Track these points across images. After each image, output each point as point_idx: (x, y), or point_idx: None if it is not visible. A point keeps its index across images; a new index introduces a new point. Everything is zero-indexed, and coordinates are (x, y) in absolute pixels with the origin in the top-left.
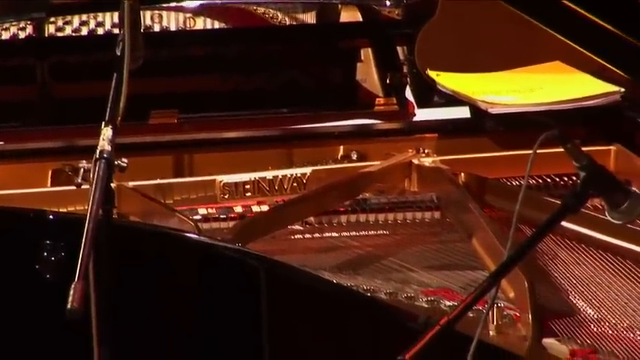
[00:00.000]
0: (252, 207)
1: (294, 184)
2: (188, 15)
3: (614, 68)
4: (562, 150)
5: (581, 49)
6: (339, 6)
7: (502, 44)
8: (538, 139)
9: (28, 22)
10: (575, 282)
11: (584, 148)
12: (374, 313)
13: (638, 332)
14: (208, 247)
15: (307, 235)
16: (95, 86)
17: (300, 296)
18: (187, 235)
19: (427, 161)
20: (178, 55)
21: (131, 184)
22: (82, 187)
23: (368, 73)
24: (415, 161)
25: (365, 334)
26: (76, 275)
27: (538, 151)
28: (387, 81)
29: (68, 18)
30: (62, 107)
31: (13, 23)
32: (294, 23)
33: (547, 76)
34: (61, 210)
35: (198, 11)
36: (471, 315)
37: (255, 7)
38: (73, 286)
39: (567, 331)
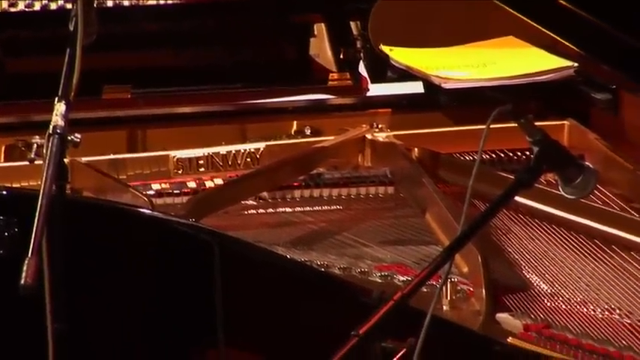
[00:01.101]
0: (205, 182)
1: (248, 160)
2: None
3: (566, 43)
4: (515, 125)
5: (534, 24)
6: None
7: (455, 19)
8: (491, 114)
9: None
10: (528, 257)
11: (537, 123)
12: (328, 289)
13: (591, 307)
14: (162, 222)
15: (261, 211)
16: (48, 61)
17: (254, 272)
18: (141, 210)
19: (381, 136)
20: (132, 30)
21: (84, 159)
22: (36, 162)
23: (321, 48)
24: (369, 136)
25: (319, 310)
26: (29, 251)
27: (491, 126)
28: (341, 56)
29: None
30: (15, 82)
31: None
32: None
33: (500, 51)
34: (14, 185)
35: None
36: (425, 290)
37: None
38: (26, 261)
39: (521, 306)
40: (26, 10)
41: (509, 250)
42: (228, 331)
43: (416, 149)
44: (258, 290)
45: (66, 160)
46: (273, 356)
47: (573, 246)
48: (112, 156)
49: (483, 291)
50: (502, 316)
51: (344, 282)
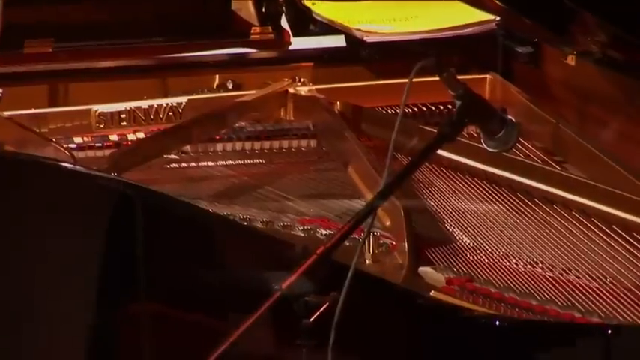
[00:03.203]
0: (127, 136)
1: (170, 114)
2: None
3: None
4: (438, 79)
5: None
6: None
7: None
8: (414, 67)
9: None
10: (451, 210)
11: (459, 77)
12: (250, 243)
13: (513, 260)
14: (84, 176)
15: (183, 165)
16: None
17: (176, 226)
18: (62, 164)
19: (303, 90)
20: None
21: (6, 113)
22: None
23: (243, 2)
24: (291, 90)
25: (241, 264)
26: None
27: (414, 80)
28: (263, 10)
29: None
30: None
31: None
32: None
33: (422, 5)
34: None
35: None
36: (348, 244)
37: None
38: None
39: (443, 260)
40: None
41: (432, 203)
42: (150, 285)
43: (338, 103)
44: (181, 244)
45: None
46: (195, 310)
47: (496, 199)
48: (33, 110)
49: (406, 245)
50: (425, 270)
51: (266, 236)
